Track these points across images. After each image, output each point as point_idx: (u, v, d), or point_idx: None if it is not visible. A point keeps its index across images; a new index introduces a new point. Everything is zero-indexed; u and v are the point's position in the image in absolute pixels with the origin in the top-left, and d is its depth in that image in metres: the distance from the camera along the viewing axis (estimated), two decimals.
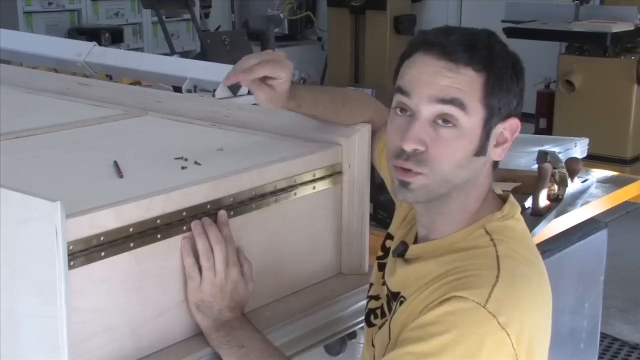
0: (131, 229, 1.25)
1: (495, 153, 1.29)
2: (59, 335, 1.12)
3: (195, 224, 1.33)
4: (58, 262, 1.10)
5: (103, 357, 1.24)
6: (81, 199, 1.23)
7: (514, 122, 1.29)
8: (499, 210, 1.31)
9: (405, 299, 1.29)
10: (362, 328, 1.57)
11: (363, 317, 1.49)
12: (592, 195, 2.44)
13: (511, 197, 1.35)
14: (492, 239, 1.26)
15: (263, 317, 1.43)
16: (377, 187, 2.06)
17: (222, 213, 1.37)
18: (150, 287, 1.29)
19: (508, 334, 1.17)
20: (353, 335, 1.58)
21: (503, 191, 1.39)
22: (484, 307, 1.16)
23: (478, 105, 1.24)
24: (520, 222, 1.33)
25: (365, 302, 1.47)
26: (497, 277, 1.20)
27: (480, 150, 1.26)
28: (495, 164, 1.33)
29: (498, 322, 1.16)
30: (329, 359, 1.59)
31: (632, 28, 5.49)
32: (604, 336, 3.76)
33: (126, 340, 1.27)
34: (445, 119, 1.23)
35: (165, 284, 1.32)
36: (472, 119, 1.24)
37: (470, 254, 1.25)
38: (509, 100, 1.26)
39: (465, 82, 1.23)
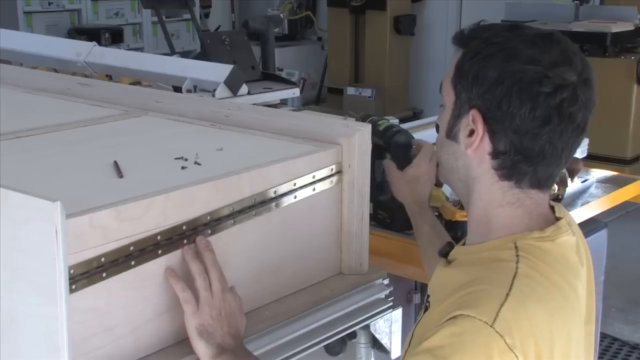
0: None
1: (467, 143, 1.28)
2: (59, 335, 1.12)
3: (187, 249, 1.29)
4: (58, 262, 1.10)
5: (103, 357, 1.24)
6: (81, 199, 1.23)
7: (474, 113, 1.25)
8: (540, 230, 1.27)
9: (429, 305, 1.28)
10: (362, 328, 1.57)
11: (363, 317, 1.49)
12: (592, 195, 2.44)
13: (562, 221, 1.30)
14: (517, 255, 1.23)
15: (263, 317, 1.43)
16: (377, 187, 2.06)
17: (200, 238, 1.31)
18: (150, 287, 1.29)
19: (516, 356, 1.13)
20: (353, 335, 1.58)
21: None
22: (491, 326, 1.13)
23: (449, 86, 1.29)
24: (559, 247, 1.27)
25: None
26: (507, 295, 1.17)
27: (450, 133, 1.31)
28: (511, 184, 1.27)
29: (506, 342, 1.13)
30: (329, 359, 1.59)
31: (632, 28, 5.51)
32: (604, 336, 3.76)
33: (126, 340, 1.27)
34: None
35: (165, 284, 1.31)
36: (446, 98, 1.31)
37: (491, 266, 1.23)
38: (468, 84, 1.25)
39: (455, 63, 1.29)
